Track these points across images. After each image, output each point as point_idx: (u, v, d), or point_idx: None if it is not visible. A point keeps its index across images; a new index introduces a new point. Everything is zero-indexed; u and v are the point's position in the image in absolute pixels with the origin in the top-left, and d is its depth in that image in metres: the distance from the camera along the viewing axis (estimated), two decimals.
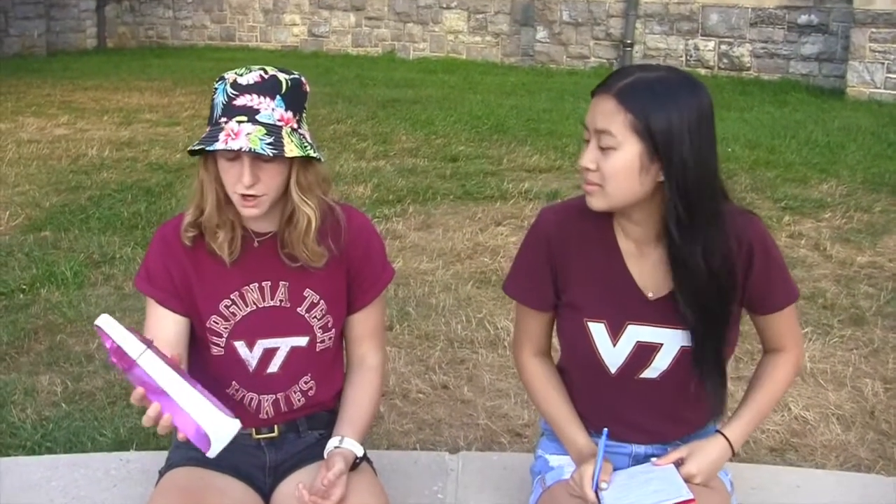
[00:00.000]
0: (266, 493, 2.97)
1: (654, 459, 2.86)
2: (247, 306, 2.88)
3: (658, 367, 2.85)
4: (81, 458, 3.83)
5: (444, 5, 18.94)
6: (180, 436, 2.42)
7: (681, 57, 16.29)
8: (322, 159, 2.74)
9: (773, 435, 4.68)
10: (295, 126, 2.68)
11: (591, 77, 16.08)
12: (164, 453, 3.12)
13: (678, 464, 2.82)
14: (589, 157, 2.64)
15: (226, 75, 2.69)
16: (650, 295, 2.80)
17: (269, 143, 2.57)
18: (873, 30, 14.03)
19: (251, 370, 2.93)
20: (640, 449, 2.99)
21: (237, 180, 2.65)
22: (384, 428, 4.71)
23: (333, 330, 2.96)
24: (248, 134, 2.57)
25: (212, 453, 2.41)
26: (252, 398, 2.96)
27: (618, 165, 2.59)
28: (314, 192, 2.77)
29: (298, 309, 2.90)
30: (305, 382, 2.98)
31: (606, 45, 17.06)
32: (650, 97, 2.56)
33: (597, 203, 2.68)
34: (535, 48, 17.70)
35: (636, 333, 2.83)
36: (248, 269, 2.87)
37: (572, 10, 17.24)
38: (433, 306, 6.25)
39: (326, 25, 20.23)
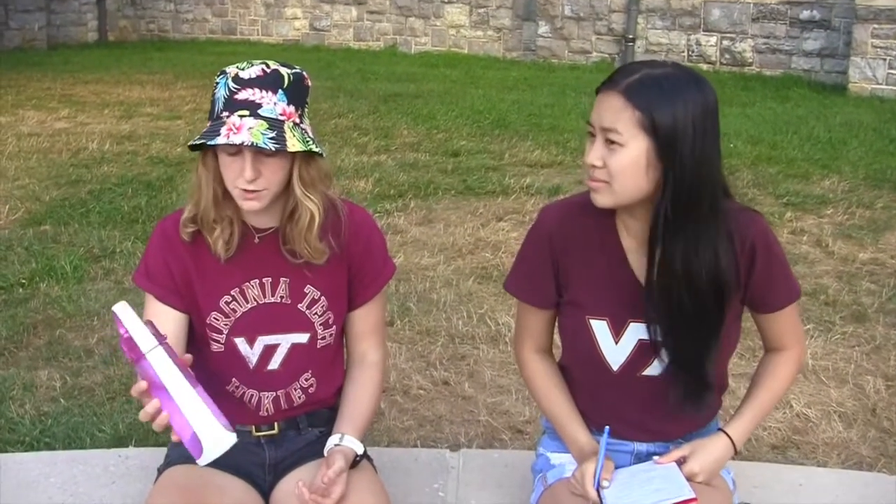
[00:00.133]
0: (266, 490, 2.95)
1: (656, 458, 2.85)
2: (247, 303, 2.87)
3: (660, 365, 2.84)
4: (80, 455, 3.82)
5: (446, 0, 18.93)
6: (174, 437, 2.41)
7: (682, 52, 16.28)
8: (324, 154, 2.73)
9: (774, 432, 4.67)
10: (297, 121, 2.66)
11: (592, 72, 16.09)
12: (164, 450, 3.11)
13: (680, 462, 2.81)
14: (595, 154, 2.62)
15: (227, 69, 2.67)
16: None
17: (271, 138, 2.56)
18: (875, 26, 14.01)
19: (251, 367, 2.92)
20: (642, 447, 2.99)
21: (238, 175, 2.64)
22: (385, 424, 4.69)
23: (334, 327, 2.94)
24: (251, 128, 2.55)
25: (202, 461, 2.39)
26: (252, 395, 2.94)
27: (625, 162, 2.58)
28: (317, 188, 2.75)
29: (299, 305, 2.89)
30: (306, 379, 2.97)
31: (608, 40, 17.05)
32: (658, 94, 2.54)
33: (603, 200, 2.66)
34: (537, 43, 17.70)
35: (638, 331, 2.82)
36: (249, 266, 2.85)
37: (574, 5, 17.23)
38: (434, 302, 6.24)
39: (328, 19, 20.22)
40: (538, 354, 3.04)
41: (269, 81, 2.63)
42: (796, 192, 8.92)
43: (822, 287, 6.57)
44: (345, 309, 2.98)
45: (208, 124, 2.66)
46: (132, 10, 21.99)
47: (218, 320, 2.85)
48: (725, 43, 16.08)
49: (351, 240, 2.90)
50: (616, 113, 2.57)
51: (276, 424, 3.00)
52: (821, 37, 15.33)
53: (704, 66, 15.77)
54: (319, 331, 2.91)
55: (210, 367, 2.87)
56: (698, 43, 16.26)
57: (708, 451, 2.84)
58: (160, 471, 2.97)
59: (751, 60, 15.94)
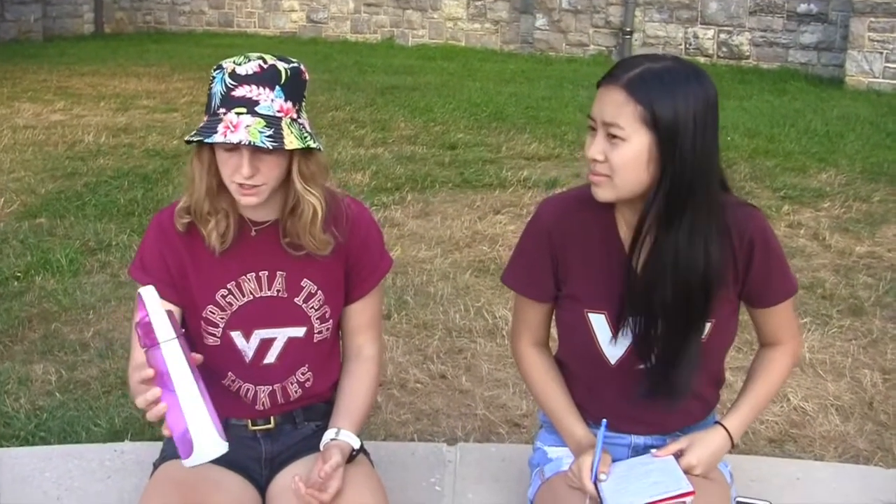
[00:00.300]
0: (262, 485, 2.95)
1: (653, 451, 2.85)
2: (244, 296, 2.86)
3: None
4: (75, 449, 3.81)
5: None
6: (165, 431, 2.39)
7: (680, 45, 16.27)
8: (321, 148, 2.71)
9: (772, 426, 4.67)
10: (294, 116, 2.64)
11: (590, 65, 16.09)
12: (159, 444, 3.10)
13: (677, 455, 2.81)
14: (597, 149, 2.61)
15: (224, 64, 2.65)
16: None
17: (268, 136, 2.54)
18: (872, 19, 14.01)
19: (248, 361, 2.91)
20: (640, 440, 2.98)
21: (235, 170, 2.62)
22: (381, 418, 4.69)
23: (331, 320, 2.94)
24: (248, 126, 2.54)
25: (187, 463, 2.38)
26: (248, 389, 2.93)
27: (627, 157, 2.57)
28: (317, 181, 2.74)
29: (296, 299, 2.88)
30: (302, 373, 2.96)
31: (606, 33, 17.03)
32: (659, 88, 2.54)
33: (604, 194, 2.66)
34: (535, 36, 17.68)
35: (636, 325, 2.81)
36: (245, 259, 2.84)
37: None
38: (431, 295, 6.23)
39: (325, 12, 20.20)
40: (535, 348, 3.04)
41: (266, 78, 2.61)
42: (793, 185, 8.93)
43: (819, 280, 6.57)
44: (341, 303, 2.97)
45: (205, 118, 2.65)
46: (128, 2, 21.95)
47: (214, 314, 2.84)
48: (723, 36, 16.07)
49: (349, 233, 2.89)
50: (618, 107, 2.57)
51: (272, 418, 2.99)
52: (818, 30, 15.33)
53: (701, 59, 15.77)
54: (316, 325, 2.90)
55: (206, 361, 2.85)
56: (695, 36, 16.25)
57: (705, 443, 2.84)
58: (156, 465, 2.97)
59: (748, 53, 15.93)
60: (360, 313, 3.02)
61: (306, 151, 2.68)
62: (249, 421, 2.97)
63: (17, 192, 8.49)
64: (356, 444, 2.85)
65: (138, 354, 2.81)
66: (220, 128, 2.55)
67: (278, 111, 2.60)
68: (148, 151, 10.04)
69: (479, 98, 13.06)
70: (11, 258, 6.79)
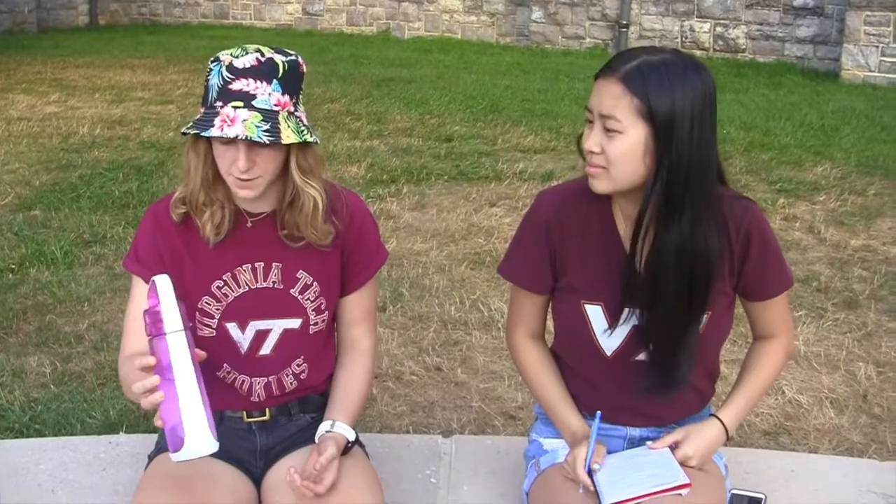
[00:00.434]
0: (257, 477, 2.94)
1: (649, 443, 2.85)
2: (239, 287, 2.85)
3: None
4: (70, 441, 3.80)
5: None
6: (158, 422, 2.39)
7: (676, 38, 16.27)
8: (318, 141, 2.71)
9: (766, 418, 4.68)
10: (291, 109, 2.64)
11: (586, 58, 16.09)
12: (154, 437, 3.10)
13: (673, 447, 2.81)
14: (594, 141, 2.62)
15: (221, 57, 2.63)
16: None
17: (265, 131, 2.54)
18: (868, 13, 14.01)
19: (243, 352, 2.90)
20: (635, 432, 2.99)
21: (232, 163, 2.62)
22: (377, 410, 4.69)
23: (327, 312, 2.93)
24: (245, 120, 2.53)
25: (175, 458, 2.37)
26: (244, 381, 2.93)
27: (623, 149, 2.57)
28: (315, 174, 2.74)
29: (291, 290, 2.87)
30: (298, 365, 2.95)
31: (602, 26, 17.02)
32: (657, 81, 2.54)
33: (601, 186, 2.66)
34: (531, 28, 17.67)
35: (633, 317, 2.81)
36: (241, 250, 2.84)
37: None
38: (427, 287, 6.24)
39: (321, 4, 20.17)
40: (531, 340, 3.04)
41: (263, 71, 2.60)
42: (789, 178, 8.94)
43: (814, 274, 6.58)
44: (337, 294, 2.96)
45: (201, 110, 2.64)
46: None
47: (209, 305, 2.84)
48: (719, 29, 16.07)
49: (345, 226, 2.88)
50: (615, 100, 2.56)
51: (267, 410, 2.98)
52: (814, 24, 15.33)
53: (698, 53, 15.75)
54: (312, 316, 2.90)
55: None
56: (692, 29, 16.25)
57: (701, 435, 2.84)
58: (151, 458, 2.96)
59: (744, 47, 15.94)
60: (356, 305, 3.02)
61: (304, 144, 2.67)
62: (244, 413, 2.97)
63: (12, 184, 8.49)
64: (351, 436, 2.85)
65: (131, 344, 2.81)
66: (217, 121, 2.54)
67: (275, 105, 2.59)
68: (143, 143, 10.03)
69: (475, 91, 13.06)
70: (6, 250, 6.78)
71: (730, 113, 11.44)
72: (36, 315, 5.75)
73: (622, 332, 2.83)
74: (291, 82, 2.64)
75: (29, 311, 5.80)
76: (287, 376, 2.95)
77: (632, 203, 2.72)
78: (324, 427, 2.84)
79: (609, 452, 2.84)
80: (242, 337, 2.88)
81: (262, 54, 2.61)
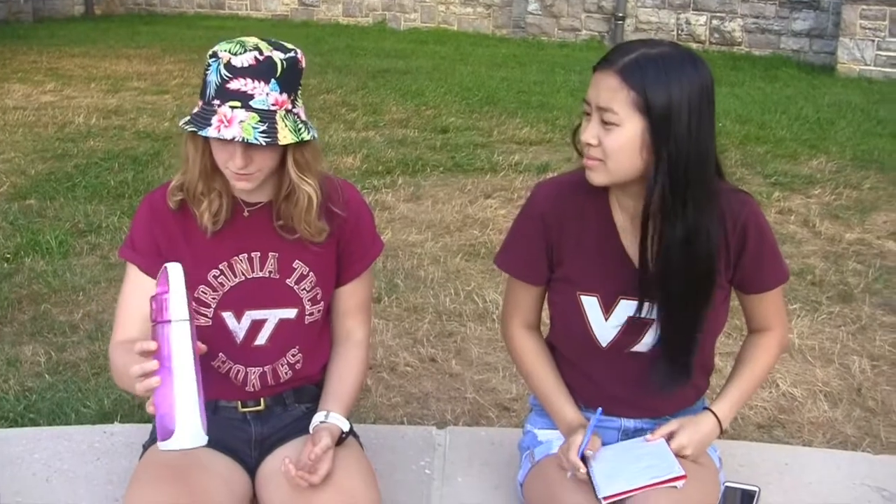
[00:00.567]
0: (252, 467, 2.95)
1: (648, 436, 2.85)
2: (235, 277, 2.85)
3: (649, 342, 2.86)
4: (64, 431, 3.80)
5: None
6: (150, 408, 2.38)
7: (672, 31, 16.26)
8: (316, 137, 2.70)
9: (760, 411, 4.69)
10: (289, 107, 2.63)
11: (582, 50, 16.08)
12: (149, 426, 3.10)
13: (668, 439, 2.81)
14: (591, 133, 2.62)
15: (220, 53, 2.61)
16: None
17: (262, 132, 2.53)
18: (864, 7, 14.01)
19: (238, 342, 2.90)
20: (630, 423, 3.00)
21: (229, 159, 2.62)
22: (371, 401, 4.70)
23: (322, 303, 2.94)
24: (242, 121, 2.53)
25: (162, 446, 2.36)
26: (239, 370, 2.93)
27: (620, 142, 2.58)
28: (312, 170, 2.74)
29: (287, 280, 2.87)
30: (293, 355, 2.96)
31: (598, 18, 17.01)
32: (654, 74, 2.54)
33: (598, 178, 2.67)
34: (527, 20, 17.65)
35: (628, 308, 2.83)
36: (238, 239, 2.84)
37: None
38: (422, 279, 6.24)
39: None
40: (526, 331, 3.05)
41: (261, 71, 2.59)
42: (784, 171, 8.95)
43: (808, 267, 6.58)
44: (333, 285, 2.97)
45: (199, 104, 2.63)
46: None
47: (206, 294, 2.84)
48: (715, 22, 16.07)
49: (341, 216, 2.89)
50: (612, 93, 2.57)
51: (262, 400, 2.98)
52: (810, 17, 15.32)
53: (694, 45, 15.74)
54: (307, 306, 2.90)
55: None
56: (688, 22, 16.24)
57: (696, 427, 2.85)
58: (145, 447, 2.97)
59: (740, 40, 15.93)
60: (350, 296, 3.02)
61: (301, 141, 2.67)
62: (239, 402, 2.97)
63: (7, 173, 8.48)
64: (345, 426, 2.85)
65: (123, 330, 2.81)
66: (214, 121, 2.54)
67: (273, 104, 2.58)
68: (138, 133, 10.02)
69: (471, 82, 13.05)
70: (1, 239, 6.78)
71: (725, 106, 11.44)
72: (31, 304, 5.75)
73: (617, 323, 2.84)
74: (290, 80, 2.63)
75: (24, 301, 5.80)
76: (282, 366, 2.95)
77: (629, 196, 2.73)
78: (318, 418, 2.84)
79: (604, 444, 2.85)
80: (238, 326, 2.88)
81: (261, 52, 2.59)
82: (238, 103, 2.55)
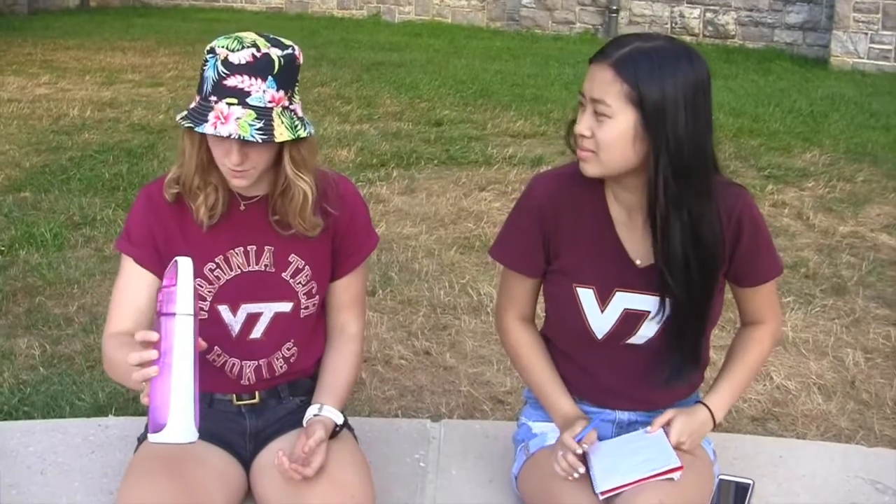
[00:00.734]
0: (247, 459, 2.96)
1: (648, 429, 2.85)
2: (231, 270, 2.86)
3: (644, 334, 2.87)
4: (59, 424, 3.79)
5: None
6: (144, 399, 2.37)
7: (666, 24, 16.25)
8: (312, 133, 2.71)
9: (754, 404, 4.70)
10: (286, 104, 2.63)
11: (576, 43, 16.07)
12: (143, 419, 3.08)
13: (666, 429, 2.82)
14: (584, 125, 2.64)
15: (217, 49, 2.60)
16: (638, 262, 2.81)
17: (258, 129, 2.53)
18: (857, 0, 14.00)
19: (234, 335, 2.91)
20: (624, 416, 3.01)
21: (226, 155, 2.62)
22: (366, 394, 4.70)
23: (318, 296, 2.94)
24: (238, 118, 2.53)
25: (152, 438, 2.35)
26: (234, 364, 2.94)
27: (612, 134, 2.59)
28: (308, 167, 2.74)
29: (283, 274, 2.88)
30: (288, 349, 2.96)
31: (592, 11, 17.00)
32: (647, 68, 2.55)
33: (591, 169, 2.68)
34: (521, 13, 17.63)
35: (624, 300, 2.84)
36: (234, 233, 2.84)
37: None
38: (416, 271, 6.24)
39: None
40: (521, 323, 3.05)
41: (258, 68, 2.58)
42: (778, 164, 8.95)
43: (802, 260, 6.59)
44: (328, 279, 2.97)
45: (196, 99, 2.63)
46: None
47: (201, 287, 2.84)
48: (709, 15, 16.06)
49: (338, 209, 2.89)
50: (605, 85, 2.58)
51: (257, 393, 2.99)
52: (803, 10, 15.33)
53: (687, 38, 15.73)
54: (303, 300, 2.91)
55: None
56: (682, 15, 16.23)
57: (690, 417, 2.86)
58: (140, 440, 2.97)
59: (733, 33, 15.93)
60: (345, 290, 3.03)
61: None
62: (234, 395, 2.98)
63: (2, 165, 8.46)
64: (339, 419, 2.86)
65: (117, 322, 2.81)
66: (211, 117, 2.54)
67: (269, 102, 2.58)
68: (133, 126, 9.99)
69: (465, 75, 13.04)
70: None
71: (719, 99, 11.38)
72: (25, 297, 5.75)
73: (613, 315, 2.85)
74: (287, 77, 2.63)
75: (18, 294, 5.79)
76: (277, 360, 2.96)
77: (625, 188, 2.74)
78: (312, 411, 2.85)
79: (599, 438, 2.86)
80: (234, 320, 2.89)
81: (259, 49, 2.59)
82: (235, 100, 2.55)
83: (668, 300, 2.79)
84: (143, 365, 2.34)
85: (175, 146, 2.79)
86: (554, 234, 2.86)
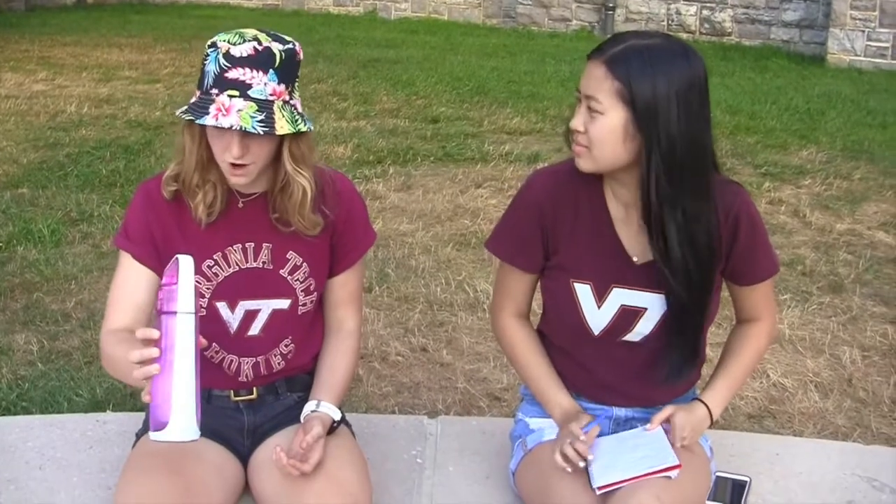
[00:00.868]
0: (245, 455, 2.96)
1: (648, 426, 2.85)
2: (230, 267, 2.86)
3: (641, 331, 2.87)
4: (57, 419, 3.80)
5: None
6: (146, 397, 2.37)
7: (662, 21, 16.26)
8: (312, 128, 2.71)
9: (751, 401, 4.70)
10: (287, 98, 2.64)
11: (572, 40, 16.08)
12: (141, 415, 3.11)
13: (664, 424, 2.83)
14: (579, 120, 2.66)
15: (218, 43, 2.62)
16: (636, 259, 2.82)
17: (260, 121, 2.54)
18: None
19: (232, 332, 2.91)
20: (621, 412, 3.02)
21: (226, 149, 2.62)
22: (363, 391, 4.70)
23: (315, 293, 2.95)
24: (239, 110, 2.53)
25: (154, 437, 2.35)
26: (232, 361, 2.94)
27: (604, 131, 2.61)
28: (307, 162, 2.75)
29: (281, 271, 2.88)
30: (286, 345, 2.97)
31: (588, 8, 17.00)
32: (639, 66, 2.56)
33: (584, 165, 2.70)
34: (517, 10, 17.64)
35: (621, 297, 2.85)
36: (232, 230, 2.84)
37: None
38: (413, 268, 6.24)
39: None
40: (517, 320, 3.06)
41: (260, 61, 2.59)
42: (774, 162, 8.96)
43: (799, 257, 6.59)
44: (326, 276, 2.98)
45: (196, 94, 2.64)
46: None
47: (200, 284, 2.83)
48: (705, 12, 16.07)
49: (336, 208, 2.89)
50: (598, 82, 2.60)
51: (254, 389, 2.99)
52: (800, 8, 15.33)
53: (684, 36, 15.72)
54: (301, 297, 2.91)
55: None
56: (678, 12, 16.24)
57: (689, 412, 2.87)
58: (138, 436, 2.97)
59: (730, 30, 15.94)
60: (342, 287, 3.03)
61: (297, 133, 2.68)
62: (232, 391, 2.98)
63: None
64: (336, 415, 2.86)
65: (115, 318, 2.81)
66: (212, 109, 2.54)
67: (271, 94, 2.59)
68: (130, 122, 9.99)
69: (462, 72, 13.04)
70: None
71: (716, 96, 11.41)
72: (23, 293, 5.75)
73: (610, 311, 2.85)
74: (288, 71, 2.64)
75: (16, 289, 5.79)
76: (275, 356, 2.97)
77: (622, 184, 2.75)
78: (309, 407, 2.86)
79: (599, 435, 2.86)
80: (232, 317, 2.89)
81: (260, 43, 2.60)
82: (236, 92, 2.56)
83: (665, 297, 2.79)
84: (144, 363, 2.34)
85: (172, 143, 2.79)
86: (552, 230, 2.86)
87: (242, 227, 2.84)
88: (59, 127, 9.74)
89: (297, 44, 2.68)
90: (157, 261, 2.79)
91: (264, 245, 2.86)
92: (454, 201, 7.63)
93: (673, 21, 16.23)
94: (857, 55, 14.11)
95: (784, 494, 3.28)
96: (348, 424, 3.04)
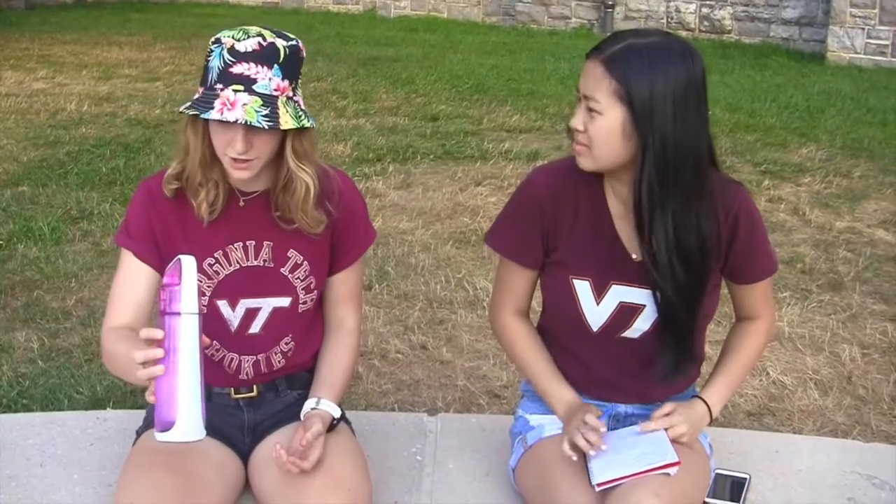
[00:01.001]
0: (245, 453, 2.96)
1: (645, 424, 2.86)
2: (230, 265, 2.86)
3: (639, 328, 2.87)
4: (58, 417, 3.80)
5: None
6: (150, 397, 2.38)
7: (662, 19, 16.26)
8: (315, 125, 2.72)
9: (750, 399, 4.70)
10: (290, 94, 2.64)
11: (572, 38, 16.08)
12: (142, 412, 3.11)
13: (664, 416, 2.83)
14: (578, 119, 2.67)
15: (223, 39, 2.62)
16: (635, 256, 2.81)
17: (264, 115, 2.54)
18: None
19: (233, 330, 2.91)
20: (621, 408, 3.02)
21: (229, 144, 2.62)
22: (362, 388, 4.71)
23: (316, 291, 2.95)
24: (244, 105, 2.54)
25: (160, 437, 2.36)
26: (232, 359, 2.94)
27: (602, 130, 2.61)
28: (310, 159, 2.75)
29: (282, 269, 2.88)
30: (286, 343, 2.97)
31: (588, 6, 17.00)
32: (637, 65, 2.56)
33: (585, 163, 2.71)
34: (517, 8, 17.64)
35: (620, 293, 2.85)
36: (233, 228, 2.84)
37: None
38: (412, 266, 6.25)
39: None
40: (517, 317, 3.06)
41: (265, 56, 2.60)
42: (774, 160, 8.96)
43: (798, 255, 6.60)
44: (326, 274, 2.98)
45: (200, 90, 2.64)
46: None
47: (201, 282, 2.82)
48: (704, 10, 16.07)
49: (338, 207, 2.89)
50: (596, 81, 2.60)
51: (255, 387, 2.99)
52: (800, 5, 15.33)
53: (683, 33, 15.73)
54: (301, 295, 2.91)
55: None
56: (678, 10, 16.24)
57: (689, 409, 2.87)
58: (139, 433, 2.97)
59: (730, 28, 15.94)
60: (342, 284, 3.04)
61: (300, 129, 2.68)
62: (232, 389, 2.98)
63: (0, 159, 8.48)
64: (336, 413, 2.86)
65: (116, 315, 2.81)
66: (217, 104, 2.54)
67: (275, 90, 2.60)
68: (130, 120, 10.00)
69: (461, 70, 13.05)
70: None
71: (715, 94, 11.43)
72: (23, 291, 5.75)
73: (609, 308, 2.86)
74: (291, 67, 2.64)
75: (16, 287, 5.80)
76: (275, 354, 2.97)
77: (621, 182, 2.75)
78: (309, 404, 2.86)
79: None
80: (233, 315, 2.89)
81: (264, 38, 2.61)
82: (241, 87, 2.56)
83: (653, 296, 2.80)
84: (148, 363, 2.35)
85: (172, 141, 2.79)
86: (552, 227, 2.86)
87: (243, 225, 2.84)
88: (59, 125, 9.74)
89: (299, 41, 2.70)
90: (158, 258, 2.80)
91: (265, 243, 2.86)
92: (454, 199, 7.63)
93: (672, 19, 16.23)
94: (856, 53, 14.11)
95: (783, 492, 3.28)
96: (348, 422, 3.04)
